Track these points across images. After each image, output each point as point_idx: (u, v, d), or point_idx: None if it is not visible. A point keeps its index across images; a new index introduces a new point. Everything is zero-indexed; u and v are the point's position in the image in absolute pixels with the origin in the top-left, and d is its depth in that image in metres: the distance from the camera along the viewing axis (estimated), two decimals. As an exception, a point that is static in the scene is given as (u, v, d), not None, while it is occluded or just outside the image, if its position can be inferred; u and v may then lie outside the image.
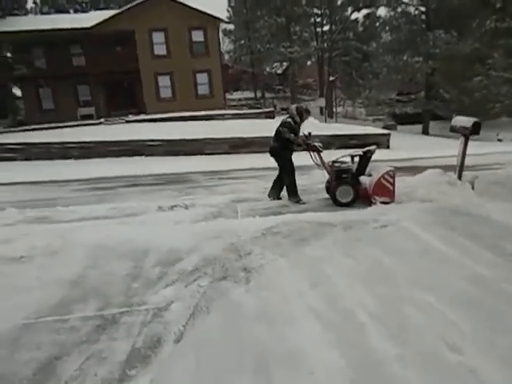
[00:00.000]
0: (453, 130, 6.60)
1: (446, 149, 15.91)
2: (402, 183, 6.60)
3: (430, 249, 3.74)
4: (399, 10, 25.03)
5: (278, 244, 3.91)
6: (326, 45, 32.61)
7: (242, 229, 4.34)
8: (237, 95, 36.81)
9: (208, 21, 21.71)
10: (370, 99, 31.15)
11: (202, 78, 22.56)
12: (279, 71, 39.80)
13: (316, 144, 5.75)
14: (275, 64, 38.46)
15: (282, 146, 5.74)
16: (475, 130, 6.19)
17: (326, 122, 25.71)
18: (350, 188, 5.57)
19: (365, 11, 31.48)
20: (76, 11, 31.01)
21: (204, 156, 12.95)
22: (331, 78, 27.78)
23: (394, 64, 23.79)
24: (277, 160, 5.93)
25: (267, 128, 16.42)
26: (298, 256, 3.60)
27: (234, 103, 31.31)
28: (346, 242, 3.96)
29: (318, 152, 5.76)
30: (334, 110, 31.69)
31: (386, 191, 5.48)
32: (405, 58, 23.14)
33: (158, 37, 21.46)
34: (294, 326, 2.48)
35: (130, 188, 7.36)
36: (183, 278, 3.25)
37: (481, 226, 4.38)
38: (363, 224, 4.50)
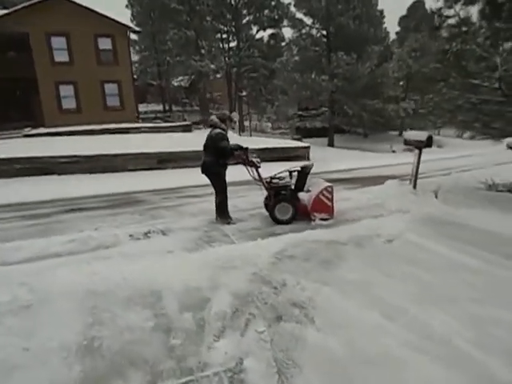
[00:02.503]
0: (407, 143, 6.99)
1: (365, 159, 17.28)
2: (368, 194, 6.78)
3: (454, 261, 3.76)
4: (303, 31, 26.69)
5: (305, 270, 3.53)
6: (233, 61, 33.17)
7: (251, 254, 3.86)
8: (142, 108, 35.16)
9: (116, 28, 20.24)
10: (278, 114, 32.59)
11: (111, 88, 20.86)
12: (185, 85, 39.20)
13: (254, 159, 5.42)
14: (180, 77, 37.80)
15: (216, 162, 5.24)
16: (429, 143, 6.64)
17: (240, 135, 26.02)
18: (290, 205, 5.37)
19: (270, 31, 33.00)
20: None
21: (131, 172, 11.76)
22: (243, 93, 28.22)
23: (302, 81, 25.16)
24: (210, 177, 5.40)
25: (191, 142, 15.86)
26: (339, 282, 3.27)
27: (142, 116, 29.79)
28: (370, 260, 3.77)
29: (256, 167, 5.44)
30: (245, 124, 32.35)
31: (324, 207, 5.43)
32: (313, 76, 24.61)
33: (59, 42, 19.22)
34: (411, 368, 2.15)
35: (72, 213, 6.14)
36: (229, 323, 2.67)
37: (472, 234, 4.61)
38: (369, 239, 4.38)
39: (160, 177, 10.67)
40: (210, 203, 6.55)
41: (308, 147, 17.65)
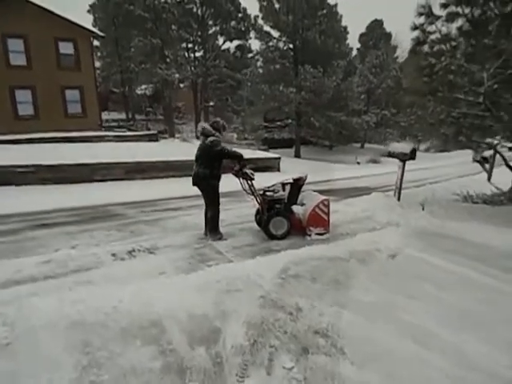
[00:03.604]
0: (391, 155, 7.01)
1: (334, 171, 17.41)
2: (354, 207, 6.69)
3: (463, 277, 3.66)
4: (271, 44, 26.94)
5: (316, 291, 3.28)
6: (199, 70, 32.82)
7: (253, 275, 3.56)
8: (104, 116, 33.88)
9: (79, 32, 19.33)
10: (245, 124, 32.51)
11: (73, 94, 19.82)
12: (150, 93, 38.27)
13: (248, 171, 5.10)
14: (144, 86, 36.91)
15: (210, 174, 4.91)
16: (412, 155, 6.68)
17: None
18: (284, 220, 5.12)
19: (237, 42, 33.05)
20: None
21: (99, 183, 11.06)
22: (211, 103, 27.94)
23: (270, 93, 25.29)
24: (203, 188, 5.05)
25: (159, 152, 15.31)
26: (357, 305, 3.04)
27: (104, 124, 28.64)
28: (380, 279, 3.59)
29: (250, 180, 5.16)
30: (212, 134, 31.89)
31: (321, 222, 5.24)
32: (281, 88, 24.78)
33: (15, 44, 18.03)
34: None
35: (42, 230, 5.47)
36: (251, 359, 2.35)
37: (469, 248, 4.59)
38: (371, 255, 4.22)
39: (130, 188, 10.09)
40: (193, 217, 6.20)
41: (279, 158, 17.62)
